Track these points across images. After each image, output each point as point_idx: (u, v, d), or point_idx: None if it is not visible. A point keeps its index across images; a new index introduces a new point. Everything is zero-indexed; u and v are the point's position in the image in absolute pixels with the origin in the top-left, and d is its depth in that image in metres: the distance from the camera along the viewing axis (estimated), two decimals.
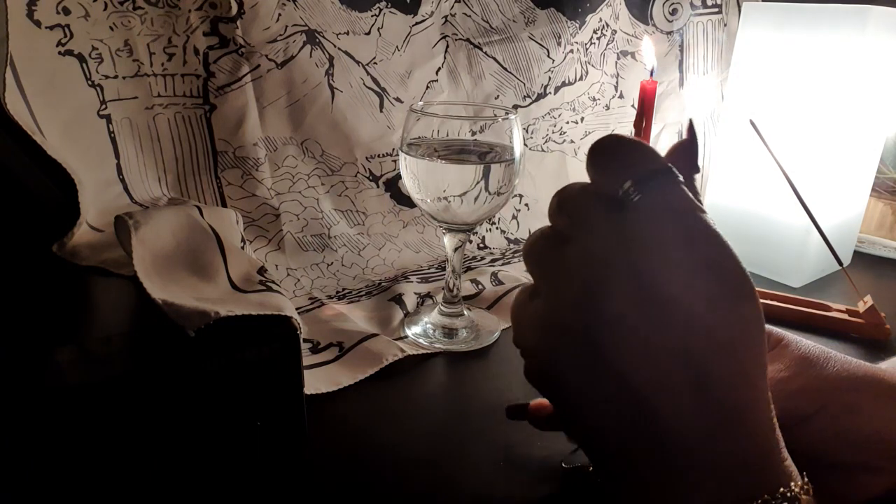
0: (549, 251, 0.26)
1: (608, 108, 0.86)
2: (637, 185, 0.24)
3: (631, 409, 0.24)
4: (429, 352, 0.53)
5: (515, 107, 0.80)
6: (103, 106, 0.59)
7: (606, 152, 0.25)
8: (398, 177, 0.72)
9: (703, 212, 0.24)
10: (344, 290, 0.65)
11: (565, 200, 0.26)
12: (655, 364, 0.23)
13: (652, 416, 0.23)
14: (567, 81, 0.83)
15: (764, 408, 0.23)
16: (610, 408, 0.24)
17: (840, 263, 0.57)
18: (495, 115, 0.57)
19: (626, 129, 0.87)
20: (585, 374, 0.24)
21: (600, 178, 0.25)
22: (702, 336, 0.23)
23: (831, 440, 0.29)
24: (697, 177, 0.26)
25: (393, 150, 0.72)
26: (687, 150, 0.26)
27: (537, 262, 0.27)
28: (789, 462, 0.24)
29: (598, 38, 0.83)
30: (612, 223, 0.24)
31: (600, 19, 0.82)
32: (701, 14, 0.86)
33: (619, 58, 0.85)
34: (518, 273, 0.68)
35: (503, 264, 0.71)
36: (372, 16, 0.70)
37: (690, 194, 0.24)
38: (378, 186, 0.72)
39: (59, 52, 0.56)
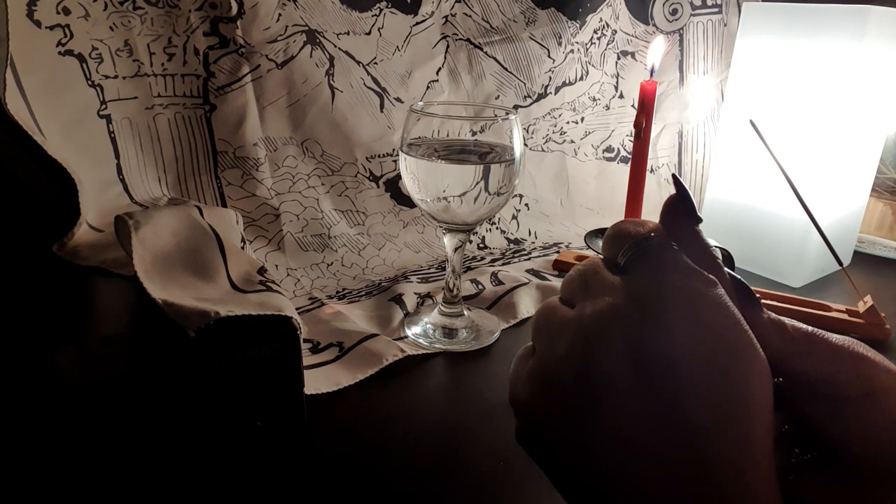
0: (552, 314, 0.26)
1: (608, 108, 0.86)
2: (633, 250, 0.24)
3: (613, 484, 0.22)
4: (429, 352, 0.53)
5: (516, 107, 0.80)
6: (103, 106, 0.59)
7: (613, 230, 0.26)
8: (398, 177, 0.72)
9: (701, 274, 0.23)
10: (344, 290, 0.65)
11: (575, 269, 0.27)
12: (644, 436, 0.21)
13: (638, 493, 0.22)
14: (567, 81, 0.83)
15: (764, 475, 0.21)
16: (593, 479, 0.23)
17: (840, 263, 0.57)
18: (495, 116, 0.57)
19: (626, 129, 0.87)
20: (571, 437, 0.23)
21: (606, 251, 0.26)
22: (692, 401, 0.21)
23: None
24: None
25: (393, 150, 0.72)
26: (680, 203, 0.26)
27: (539, 324, 0.26)
28: None
29: (599, 38, 0.83)
30: (611, 287, 0.24)
31: (600, 19, 0.82)
32: (701, 14, 0.86)
33: (619, 58, 0.85)
34: (518, 273, 0.68)
35: (503, 264, 0.71)
36: (372, 16, 0.70)
37: (686, 258, 0.24)
38: (378, 186, 0.72)
39: (59, 52, 0.56)
